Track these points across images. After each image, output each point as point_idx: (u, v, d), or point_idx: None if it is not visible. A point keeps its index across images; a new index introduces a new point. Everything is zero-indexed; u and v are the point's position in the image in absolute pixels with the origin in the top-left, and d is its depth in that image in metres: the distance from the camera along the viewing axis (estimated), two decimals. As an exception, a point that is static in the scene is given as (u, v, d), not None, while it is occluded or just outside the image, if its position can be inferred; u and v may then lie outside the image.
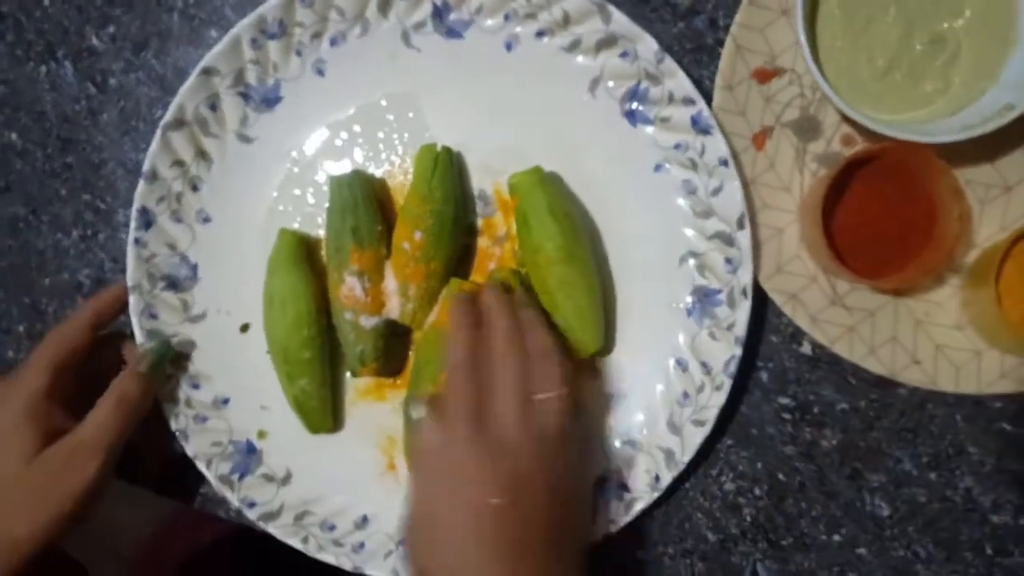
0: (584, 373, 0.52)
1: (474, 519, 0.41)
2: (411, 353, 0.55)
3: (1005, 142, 0.50)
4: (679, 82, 0.50)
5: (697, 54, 0.53)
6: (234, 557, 0.77)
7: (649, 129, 0.52)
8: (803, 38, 0.46)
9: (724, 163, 0.50)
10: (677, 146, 0.51)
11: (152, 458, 0.55)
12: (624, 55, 0.50)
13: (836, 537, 0.52)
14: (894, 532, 0.52)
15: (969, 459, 0.51)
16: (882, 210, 0.50)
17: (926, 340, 0.51)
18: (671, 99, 0.50)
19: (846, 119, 0.52)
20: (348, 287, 0.51)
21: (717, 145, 0.50)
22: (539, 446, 0.43)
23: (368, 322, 0.51)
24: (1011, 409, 0.51)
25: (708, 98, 0.51)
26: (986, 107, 0.47)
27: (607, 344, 0.52)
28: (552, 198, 0.50)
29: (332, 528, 0.53)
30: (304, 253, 0.53)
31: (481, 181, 0.54)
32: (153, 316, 0.54)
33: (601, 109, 0.52)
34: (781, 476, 0.53)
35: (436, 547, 0.42)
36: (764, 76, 0.52)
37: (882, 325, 0.51)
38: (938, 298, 0.52)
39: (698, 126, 0.50)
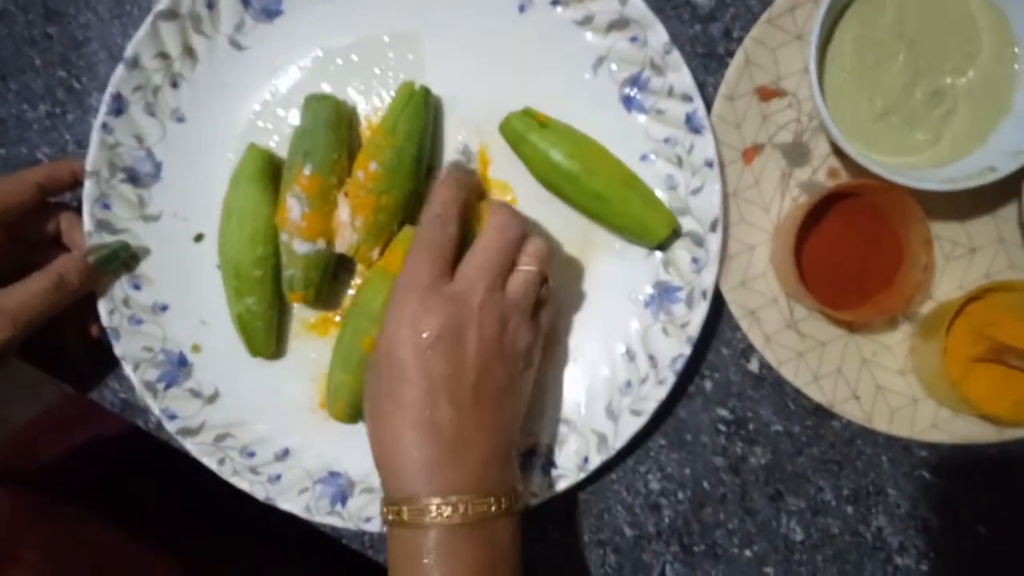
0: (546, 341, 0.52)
1: (412, 350, 0.41)
2: (352, 290, 0.55)
3: (979, 206, 0.52)
4: (681, 77, 0.50)
5: (706, 60, 0.54)
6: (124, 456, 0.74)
7: (642, 118, 0.52)
8: (813, 65, 0.47)
9: (709, 165, 0.50)
10: (667, 140, 0.52)
11: (71, 344, 0.53)
12: (633, 40, 0.51)
13: (747, 552, 0.54)
14: (803, 557, 0.53)
15: (886, 500, 0.53)
16: (852, 246, 0.52)
17: (869, 378, 0.53)
18: (670, 92, 0.51)
19: (835, 152, 0.53)
20: (287, 208, 0.50)
21: (706, 146, 0.50)
22: (495, 302, 0.43)
23: (301, 247, 0.51)
24: (934, 459, 0.53)
25: (707, 104, 0.52)
26: (970, 166, 0.49)
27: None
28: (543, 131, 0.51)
29: (251, 455, 0.53)
30: (270, 172, 0.52)
31: (468, 136, 0.54)
32: (107, 207, 0.52)
33: (600, 89, 0.52)
34: (706, 484, 0.54)
35: (381, 378, 0.42)
36: (766, 94, 0.53)
37: (830, 356, 0.53)
38: (888, 341, 0.53)
39: (691, 124, 0.51)
